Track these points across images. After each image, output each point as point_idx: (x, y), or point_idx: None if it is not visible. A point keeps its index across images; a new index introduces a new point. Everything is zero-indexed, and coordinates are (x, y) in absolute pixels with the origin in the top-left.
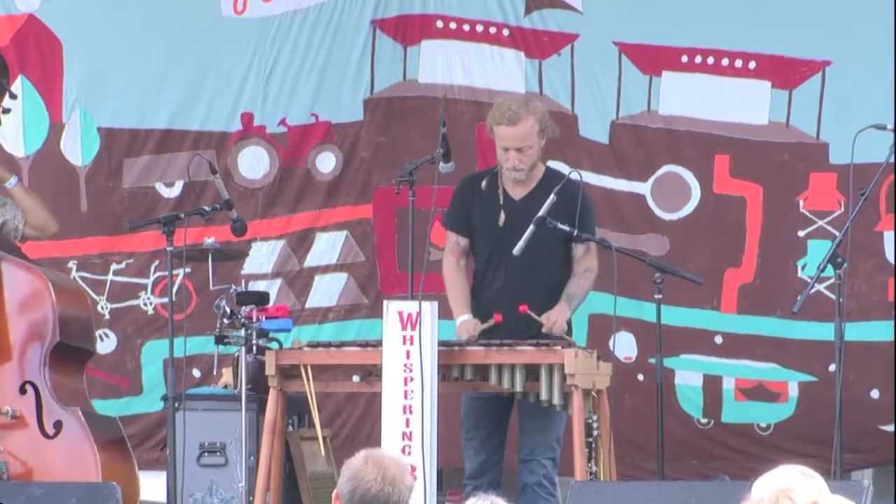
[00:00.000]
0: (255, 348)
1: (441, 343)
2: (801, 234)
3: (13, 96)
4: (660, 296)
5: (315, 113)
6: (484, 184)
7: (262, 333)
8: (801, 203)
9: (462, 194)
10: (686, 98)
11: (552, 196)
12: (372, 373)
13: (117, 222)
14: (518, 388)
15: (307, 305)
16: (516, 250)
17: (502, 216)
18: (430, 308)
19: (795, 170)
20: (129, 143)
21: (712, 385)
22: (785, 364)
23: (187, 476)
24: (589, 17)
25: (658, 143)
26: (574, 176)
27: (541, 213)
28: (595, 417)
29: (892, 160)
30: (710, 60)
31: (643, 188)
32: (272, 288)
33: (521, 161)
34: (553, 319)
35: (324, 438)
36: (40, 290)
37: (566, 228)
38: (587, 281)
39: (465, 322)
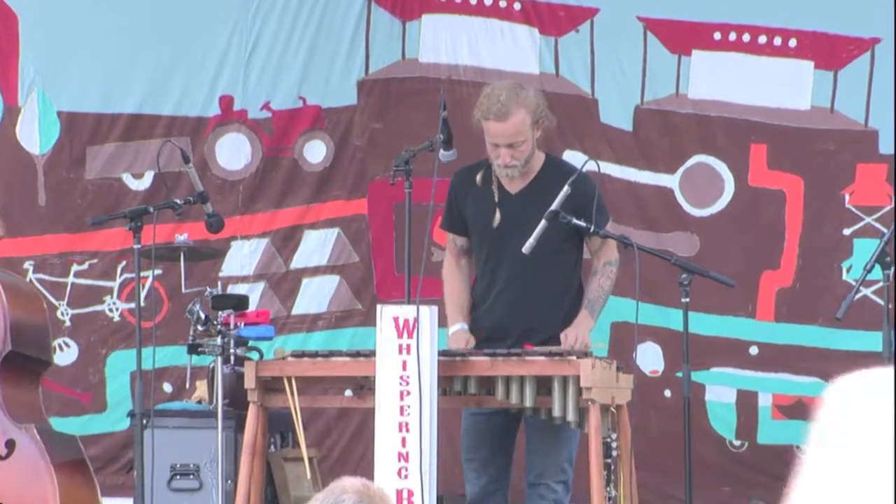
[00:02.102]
0: (232, 359)
1: (441, 353)
2: (847, 232)
3: None
4: (687, 299)
5: (303, 96)
6: (479, 178)
7: (241, 342)
8: (847, 197)
9: (455, 190)
10: (719, 80)
11: (566, 188)
12: (364, 386)
13: (79, 218)
14: (528, 402)
15: (293, 312)
16: (526, 248)
17: (497, 216)
18: (429, 314)
19: (841, 160)
20: (92, 129)
21: (747, 402)
22: (828, 378)
23: (157, 502)
24: None
25: (687, 130)
26: (590, 166)
27: (553, 206)
28: (614, 436)
29: None
30: (746, 38)
31: (670, 181)
32: (254, 292)
33: (514, 157)
34: (573, 338)
35: (310, 460)
36: None
37: (582, 224)
38: (607, 279)
39: (457, 334)
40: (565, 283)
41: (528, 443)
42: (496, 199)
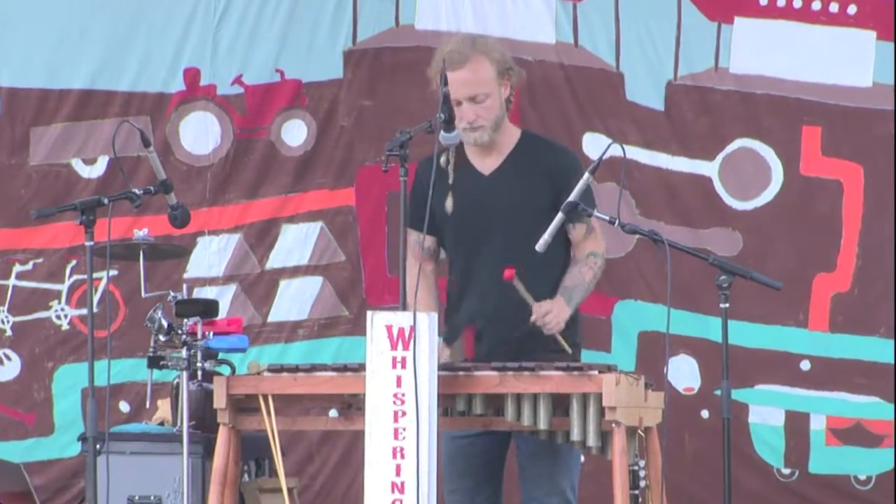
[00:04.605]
0: (200, 374)
1: (442, 367)
2: None
3: None
4: (726, 304)
5: (280, 69)
6: (443, 160)
7: (210, 354)
8: None
9: (420, 181)
10: (765, 52)
11: (586, 175)
12: (353, 406)
13: (22, 210)
14: (542, 424)
15: (270, 319)
16: (540, 245)
17: (450, 200)
18: (427, 321)
19: None
20: (37, 107)
21: (797, 424)
22: (890, 398)
23: None
24: None
25: (728, 110)
26: (615, 150)
27: (571, 197)
28: (642, 464)
29: None
30: (797, 3)
31: (709, 168)
32: (224, 295)
33: (479, 116)
34: (545, 310)
35: (290, 490)
36: None
37: (605, 217)
38: (590, 269)
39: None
40: (553, 286)
41: (523, 470)
42: (451, 182)
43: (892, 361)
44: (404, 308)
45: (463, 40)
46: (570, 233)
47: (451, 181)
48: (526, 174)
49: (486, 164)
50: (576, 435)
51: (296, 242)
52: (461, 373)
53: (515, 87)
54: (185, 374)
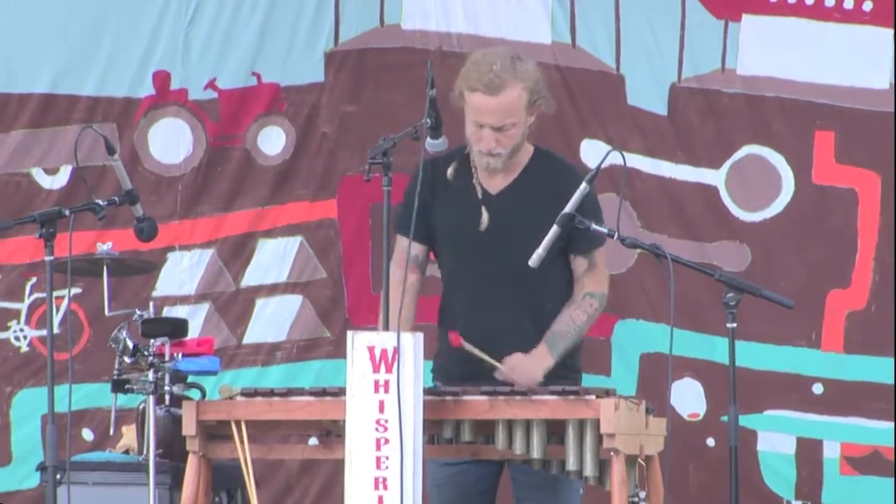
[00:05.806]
0: (168, 398)
1: (428, 391)
2: None
3: None
4: (734, 324)
5: (257, 72)
6: (451, 172)
7: (179, 377)
8: None
9: (420, 185)
10: (775, 52)
11: (583, 185)
12: (333, 432)
13: None
14: (536, 453)
15: (245, 340)
16: (533, 260)
17: (485, 216)
18: (412, 342)
19: None
20: None
21: (809, 452)
22: None
23: None
24: None
25: (736, 114)
26: (614, 158)
27: (568, 208)
28: (642, 495)
29: None
30: (809, 0)
31: (715, 178)
32: (196, 315)
33: (500, 143)
34: (513, 365)
35: None
36: None
37: (603, 230)
38: (584, 313)
39: None
40: (554, 307)
41: (520, 502)
42: (480, 196)
43: None
44: (387, 322)
45: (503, 63)
46: (572, 263)
47: (480, 196)
48: (534, 195)
49: (493, 183)
50: (572, 464)
51: (273, 258)
52: (448, 397)
53: (543, 115)
54: (151, 398)
